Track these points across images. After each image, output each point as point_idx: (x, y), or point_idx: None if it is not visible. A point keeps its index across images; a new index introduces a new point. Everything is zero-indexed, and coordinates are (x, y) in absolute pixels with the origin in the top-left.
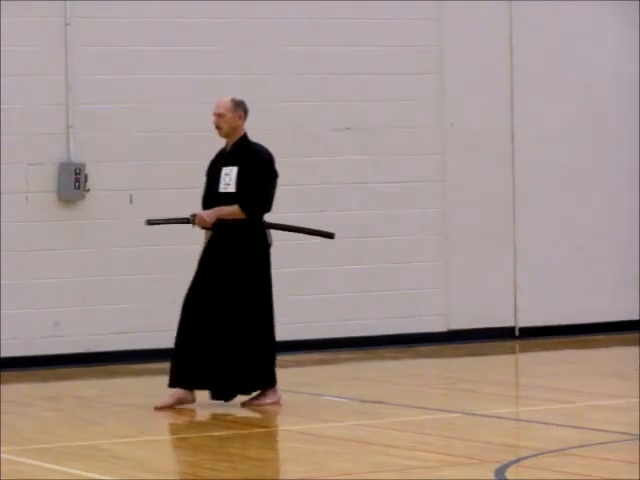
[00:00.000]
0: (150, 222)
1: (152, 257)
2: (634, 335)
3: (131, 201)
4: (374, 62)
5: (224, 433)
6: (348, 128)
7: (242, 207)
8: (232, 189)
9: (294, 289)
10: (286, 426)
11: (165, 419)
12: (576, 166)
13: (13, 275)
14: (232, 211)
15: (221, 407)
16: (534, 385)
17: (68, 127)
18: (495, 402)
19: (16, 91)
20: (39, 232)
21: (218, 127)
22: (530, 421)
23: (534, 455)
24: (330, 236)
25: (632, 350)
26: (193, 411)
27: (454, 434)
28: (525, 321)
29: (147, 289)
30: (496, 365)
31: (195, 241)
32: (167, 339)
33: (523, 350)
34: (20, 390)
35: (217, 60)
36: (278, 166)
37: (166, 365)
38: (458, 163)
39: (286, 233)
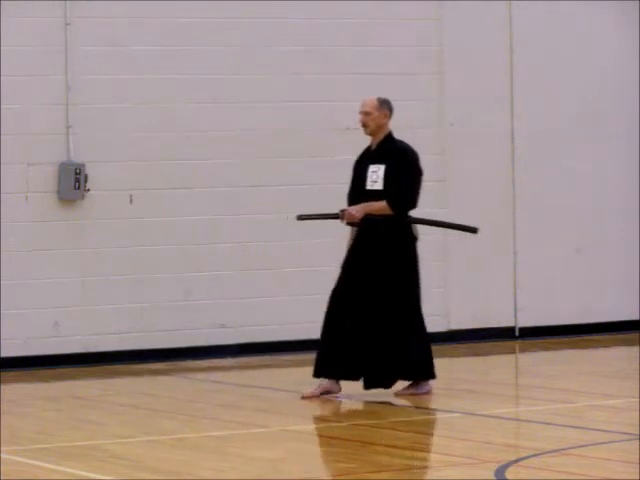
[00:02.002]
0: (301, 217)
1: (152, 257)
2: (634, 335)
3: (131, 201)
4: (374, 62)
5: (224, 433)
6: (348, 128)
7: (390, 203)
8: (379, 186)
9: (294, 289)
10: (286, 426)
11: (164, 419)
12: (576, 166)
13: (13, 275)
14: (380, 207)
15: (223, 407)
16: (534, 385)
17: (68, 127)
18: (495, 402)
19: (16, 91)
20: (39, 232)
21: (364, 125)
22: (530, 421)
23: (534, 455)
24: (474, 231)
25: (632, 350)
26: (193, 412)
27: (454, 434)
28: (525, 321)
29: (147, 289)
30: (496, 365)
31: (197, 241)
32: (167, 339)
33: (523, 350)
34: (20, 390)
35: (217, 60)
36: (276, 166)
37: (165, 365)
38: (458, 163)
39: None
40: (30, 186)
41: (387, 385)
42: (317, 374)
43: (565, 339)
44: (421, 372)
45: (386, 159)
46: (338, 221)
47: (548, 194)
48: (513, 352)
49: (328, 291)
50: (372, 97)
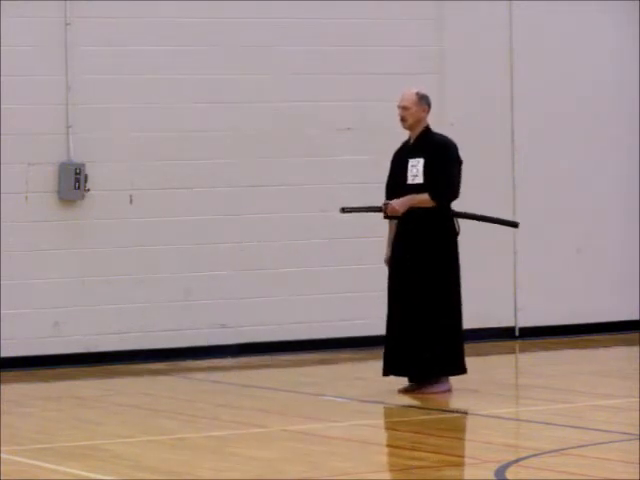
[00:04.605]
0: (344, 210)
1: (152, 257)
2: (634, 335)
3: (131, 201)
4: (374, 62)
5: (224, 433)
6: (348, 128)
7: (432, 196)
8: (420, 180)
9: (294, 289)
10: (286, 426)
11: (165, 419)
12: (576, 166)
13: (13, 275)
14: (422, 200)
15: (223, 407)
16: (534, 385)
17: (68, 127)
18: (495, 402)
19: (16, 91)
20: (39, 232)
21: (403, 119)
22: (530, 421)
23: (534, 455)
24: (515, 225)
25: (632, 350)
26: (193, 412)
27: (454, 434)
28: (525, 321)
29: (147, 289)
30: (496, 365)
31: (197, 241)
32: (167, 339)
33: (523, 350)
34: (20, 390)
35: (217, 60)
36: (276, 166)
37: (165, 365)
38: None
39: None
40: (30, 186)
41: (425, 378)
42: (385, 373)
43: (565, 339)
44: (448, 368)
45: (425, 152)
46: (337, 221)
47: (548, 194)
48: (513, 352)
49: (327, 291)
50: (411, 91)
